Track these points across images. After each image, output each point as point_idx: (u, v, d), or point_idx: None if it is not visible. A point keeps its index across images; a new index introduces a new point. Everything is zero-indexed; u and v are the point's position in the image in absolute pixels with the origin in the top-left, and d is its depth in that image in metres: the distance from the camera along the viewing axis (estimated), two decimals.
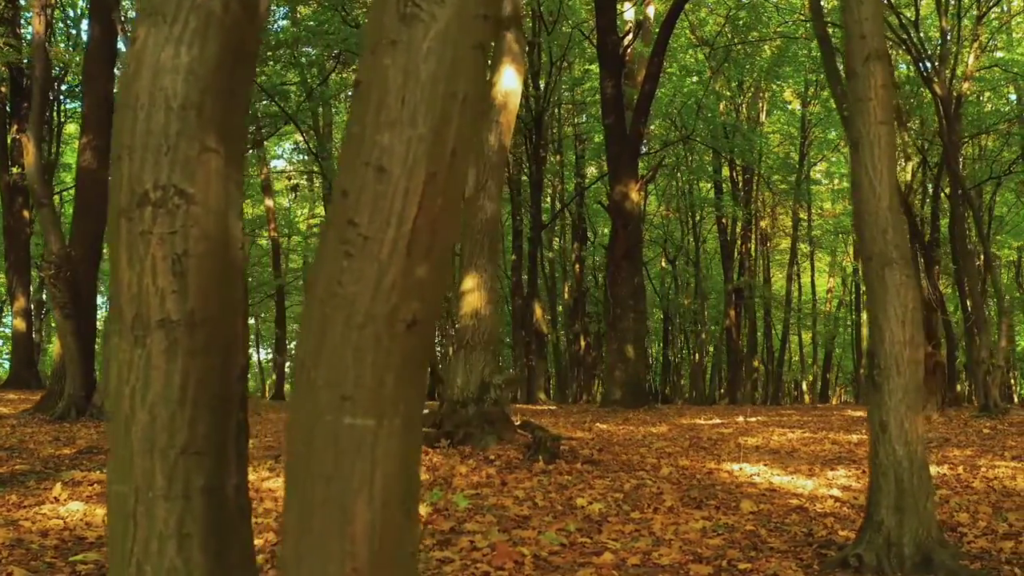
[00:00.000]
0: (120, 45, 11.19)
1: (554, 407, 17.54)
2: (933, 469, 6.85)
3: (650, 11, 19.93)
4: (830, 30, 19.39)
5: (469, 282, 8.07)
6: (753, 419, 12.80)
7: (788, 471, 6.65)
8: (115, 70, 11.21)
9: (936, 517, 3.86)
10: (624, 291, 16.77)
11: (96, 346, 11.96)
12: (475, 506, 4.97)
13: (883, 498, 3.80)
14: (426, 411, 8.78)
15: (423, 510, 4.87)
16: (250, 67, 2.06)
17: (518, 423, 8.28)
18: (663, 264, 26.99)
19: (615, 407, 15.88)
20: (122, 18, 11.41)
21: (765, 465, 6.97)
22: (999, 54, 19.79)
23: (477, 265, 8.08)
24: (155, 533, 1.89)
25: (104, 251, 11.51)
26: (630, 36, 17.37)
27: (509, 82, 8.46)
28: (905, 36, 14.37)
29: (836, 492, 5.75)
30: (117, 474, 1.91)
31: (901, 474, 3.79)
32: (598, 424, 11.38)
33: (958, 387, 21.54)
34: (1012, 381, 27.24)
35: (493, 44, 9.44)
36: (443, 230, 1.58)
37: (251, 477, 5.96)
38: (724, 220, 23.89)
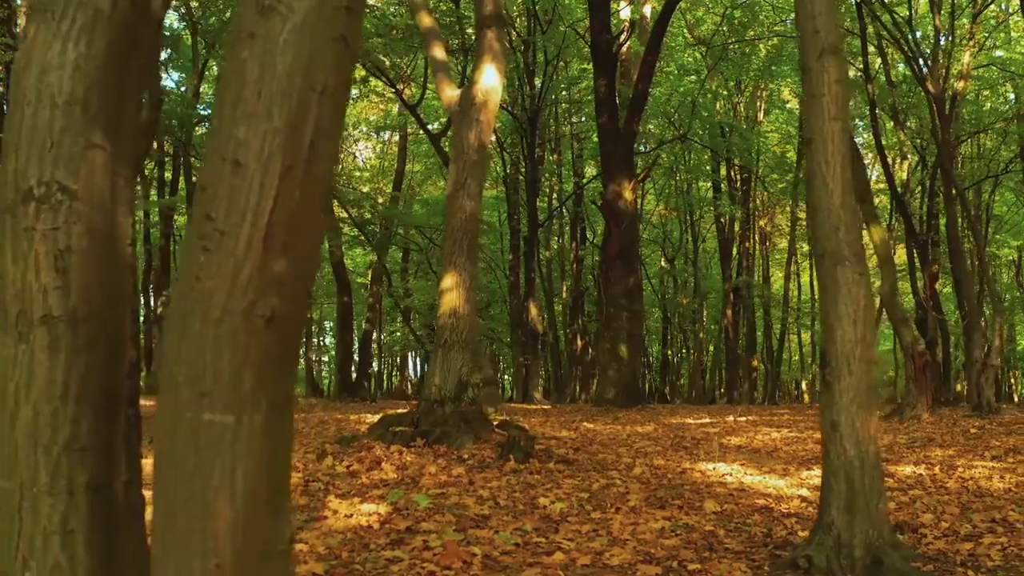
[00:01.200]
0: None
1: (548, 406, 17.51)
2: (909, 469, 6.82)
3: (647, 10, 19.89)
4: None
5: (448, 281, 8.05)
6: (743, 419, 12.75)
7: (763, 471, 6.61)
8: None
9: (888, 518, 3.82)
10: (618, 290, 16.73)
11: None
12: (436, 505, 4.95)
13: (834, 499, 3.76)
14: (404, 410, 8.77)
15: (383, 509, 4.85)
16: (145, 65, 2.04)
17: (497, 422, 8.26)
18: (662, 263, 26.92)
19: (608, 406, 15.84)
20: None
21: (741, 465, 6.93)
22: (999, 53, 19.66)
23: (456, 264, 8.06)
24: (39, 529, 1.88)
25: None
26: (624, 35, 17.33)
27: (490, 80, 8.43)
28: (899, 35, 14.28)
29: (805, 492, 5.71)
30: (3, 470, 1.91)
31: (852, 474, 3.75)
32: (586, 423, 11.35)
33: (958, 387, 21.41)
34: (1012, 380, 27.06)
35: (474, 42, 9.42)
36: (302, 225, 1.56)
37: None
38: (723, 220, 23.81)
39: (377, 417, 8.58)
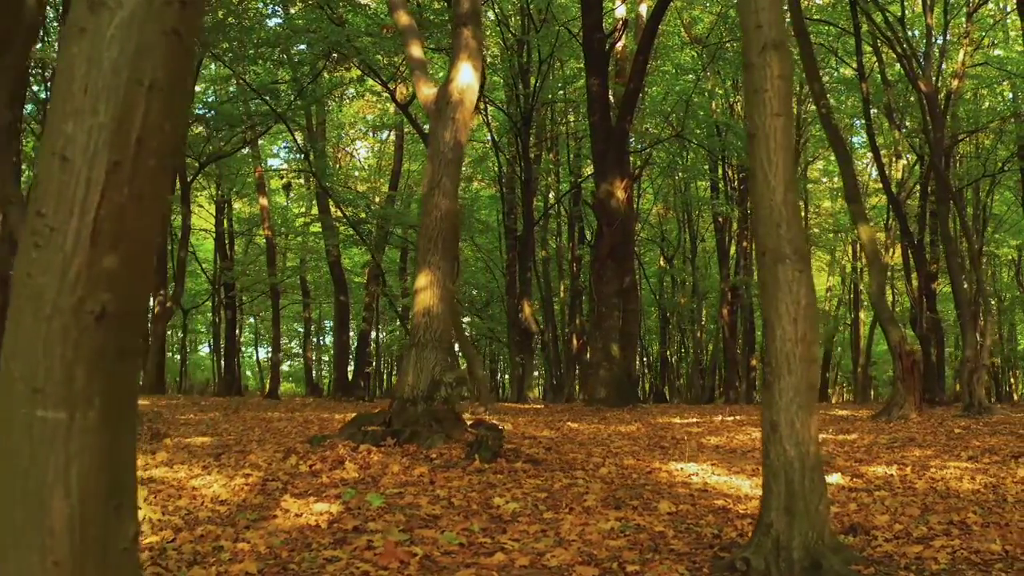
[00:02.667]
0: None
1: (541, 406, 17.49)
2: (881, 469, 6.77)
3: (643, 9, 19.83)
4: (823, 28, 19.23)
5: (422, 280, 8.03)
6: (731, 419, 12.69)
7: (732, 471, 6.57)
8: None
9: (829, 520, 3.78)
10: (610, 289, 16.68)
11: None
12: (389, 505, 4.93)
13: (773, 500, 3.72)
14: (377, 410, 8.76)
15: (334, 508, 4.84)
16: (14, 64, 2.03)
17: (472, 421, 8.24)
18: (661, 263, 26.85)
19: (599, 406, 15.81)
20: None
21: (712, 464, 6.89)
22: (998, 52, 19.50)
23: (430, 263, 8.03)
24: None
25: None
26: (617, 33, 17.28)
27: (466, 78, 8.40)
28: (891, 33, 14.18)
29: None
30: None
31: (792, 475, 3.70)
32: (570, 423, 11.32)
33: (958, 386, 21.25)
34: (1012, 380, 26.87)
35: (451, 40, 9.39)
36: (133, 220, 1.54)
37: (180, 474, 5.97)
38: (721, 219, 23.72)
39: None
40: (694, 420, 12.27)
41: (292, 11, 19.04)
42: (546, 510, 4.93)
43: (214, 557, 3.95)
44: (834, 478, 6.27)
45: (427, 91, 8.68)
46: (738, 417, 13.22)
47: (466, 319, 32.06)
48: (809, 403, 3.77)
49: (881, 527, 4.56)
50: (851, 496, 5.62)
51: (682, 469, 6.57)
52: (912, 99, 18.35)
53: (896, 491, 5.82)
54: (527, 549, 4.10)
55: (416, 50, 8.96)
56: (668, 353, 27.47)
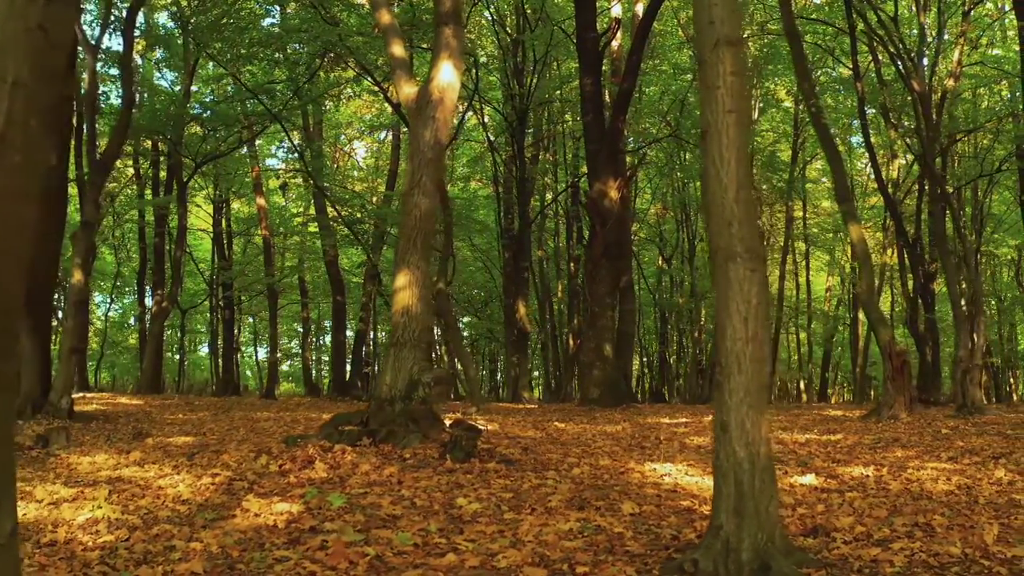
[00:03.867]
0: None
1: (534, 406, 17.45)
2: (858, 470, 6.71)
3: (639, 8, 19.76)
4: (820, 28, 19.12)
5: (401, 279, 8.00)
6: None
7: (706, 471, 6.51)
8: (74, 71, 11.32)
9: (780, 522, 3.74)
10: (602, 289, 16.63)
11: (52, 345, 12.06)
12: (351, 505, 4.91)
13: (723, 502, 3.68)
14: (356, 410, 8.74)
15: (295, 508, 4.82)
16: None
17: (452, 421, 8.22)
18: (660, 263, 26.77)
19: (592, 406, 15.78)
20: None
21: (688, 465, 6.85)
22: (997, 51, 19.35)
23: (409, 262, 8.01)
24: None
25: (62, 250, 11.64)
26: (610, 33, 17.23)
27: (446, 77, 8.38)
28: (883, 32, 14.10)
29: None
30: None
31: (741, 477, 3.67)
32: (557, 423, 11.28)
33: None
34: (1012, 380, 26.69)
35: (432, 39, 9.37)
36: None
37: (150, 474, 5.96)
38: None
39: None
40: (683, 420, 12.22)
41: (289, 10, 19.05)
42: (508, 511, 4.90)
43: (164, 557, 3.93)
44: (807, 479, 6.22)
45: (408, 90, 8.66)
46: None
47: (466, 319, 32.07)
48: (760, 403, 3.73)
49: (843, 529, 4.52)
50: (821, 497, 5.57)
51: (655, 470, 6.53)
52: (909, 99, 18.26)
53: (869, 492, 5.77)
54: (481, 550, 4.07)
55: (398, 49, 8.94)
56: (667, 353, 27.38)
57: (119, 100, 16.44)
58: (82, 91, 15.11)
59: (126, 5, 14.32)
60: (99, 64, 17.27)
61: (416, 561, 3.88)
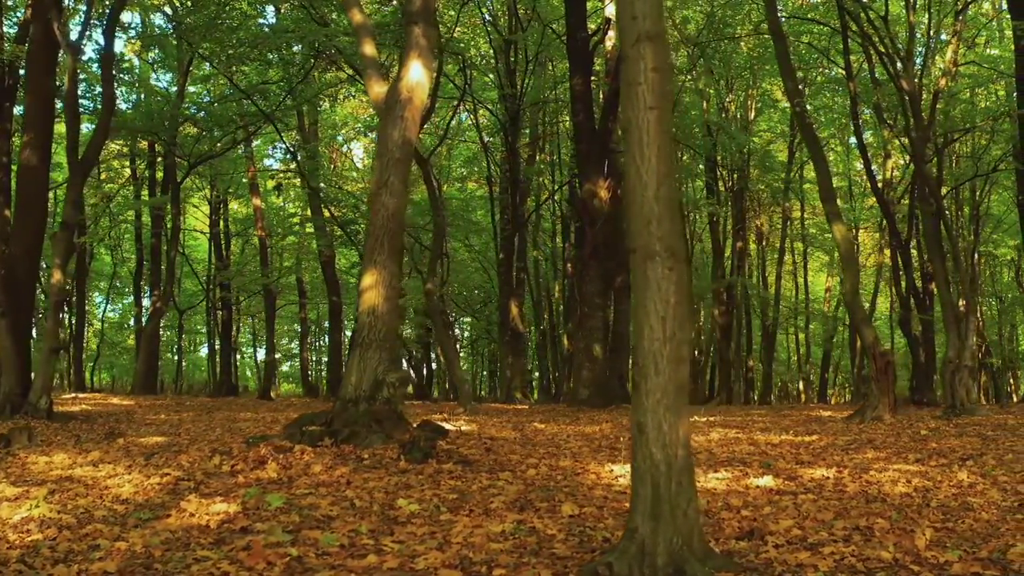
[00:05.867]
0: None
1: (525, 406, 17.40)
2: (820, 472, 6.63)
3: None
4: (815, 28, 18.97)
5: (368, 279, 7.99)
6: (704, 419, 12.56)
7: None
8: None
9: (697, 526, 3.68)
10: (592, 289, 16.59)
11: (32, 345, 12.13)
12: (289, 505, 4.89)
13: (639, 504, 3.63)
14: (320, 410, 8.73)
15: (232, 508, 4.81)
16: None
17: (419, 422, 8.20)
18: None
19: (581, 406, 15.72)
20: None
21: None
22: (995, 52, 19.14)
23: (376, 262, 7.99)
24: None
25: (44, 248, 11.70)
26: (602, 32, 17.18)
27: (416, 76, 8.36)
28: (873, 31, 13.98)
29: None
30: None
31: (658, 479, 3.61)
32: (537, 424, 11.24)
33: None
34: (1012, 380, 26.40)
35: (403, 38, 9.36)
36: None
37: (101, 474, 5.96)
38: (716, 219, 23.52)
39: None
40: None
41: (282, 10, 19.08)
42: (447, 512, 4.86)
43: (83, 556, 3.92)
44: (764, 480, 6.16)
45: (378, 89, 8.65)
46: (714, 418, 13.08)
47: (466, 319, 32.06)
48: (678, 404, 3.68)
49: (778, 532, 4.45)
50: (773, 499, 5.50)
51: (612, 471, 6.48)
52: (907, 98, 18.07)
53: (823, 495, 5.70)
54: (406, 551, 4.04)
55: (369, 48, 8.93)
56: None
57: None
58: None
59: (109, 4, 14.34)
60: (96, 66, 17.36)
61: (336, 562, 3.86)
